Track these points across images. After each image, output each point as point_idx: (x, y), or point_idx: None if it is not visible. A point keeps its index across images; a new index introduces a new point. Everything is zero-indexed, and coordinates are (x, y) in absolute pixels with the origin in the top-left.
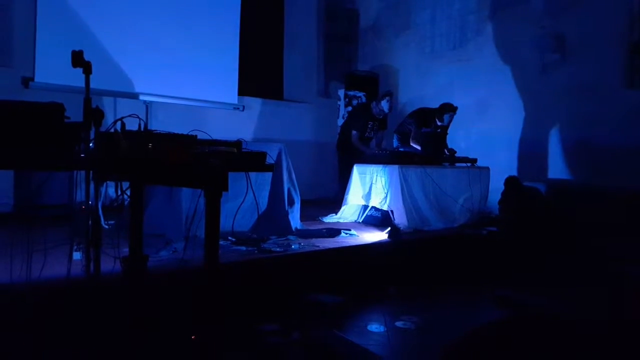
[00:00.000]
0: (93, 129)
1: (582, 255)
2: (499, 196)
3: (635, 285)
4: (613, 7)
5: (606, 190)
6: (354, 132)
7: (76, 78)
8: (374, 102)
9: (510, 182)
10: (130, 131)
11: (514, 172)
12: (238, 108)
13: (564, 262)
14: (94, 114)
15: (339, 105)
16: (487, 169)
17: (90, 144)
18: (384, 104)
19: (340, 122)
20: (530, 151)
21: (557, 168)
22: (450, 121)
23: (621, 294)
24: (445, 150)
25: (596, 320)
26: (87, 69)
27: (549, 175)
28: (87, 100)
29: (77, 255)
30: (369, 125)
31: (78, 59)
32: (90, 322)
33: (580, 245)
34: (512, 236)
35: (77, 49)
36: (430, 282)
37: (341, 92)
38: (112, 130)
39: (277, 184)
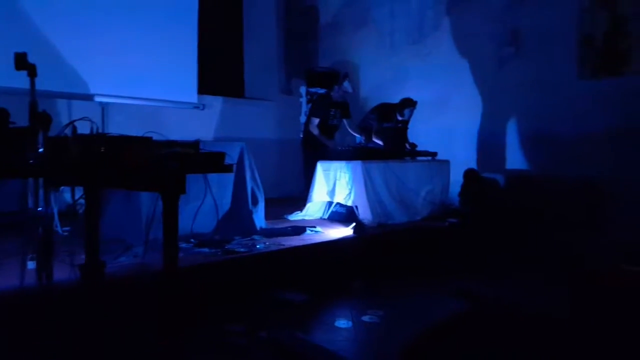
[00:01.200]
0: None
1: (540, 245)
2: (459, 188)
3: (593, 274)
4: (564, 1)
5: (563, 179)
6: (314, 119)
7: (26, 80)
8: (336, 87)
9: (468, 174)
10: (81, 135)
11: (474, 165)
12: (198, 107)
13: (522, 253)
14: (41, 118)
15: (301, 102)
16: (447, 162)
17: (41, 149)
18: (347, 85)
19: (303, 119)
20: (489, 143)
21: (515, 159)
22: (410, 115)
23: (578, 284)
24: (407, 145)
25: (554, 312)
26: (31, 71)
27: (507, 167)
28: (33, 104)
29: (31, 265)
30: (332, 113)
31: (21, 62)
32: (48, 332)
33: (539, 235)
34: (471, 228)
35: (26, 49)
36: (395, 276)
37: (303, 89)
38: (64, 134)
39: (239, 183)
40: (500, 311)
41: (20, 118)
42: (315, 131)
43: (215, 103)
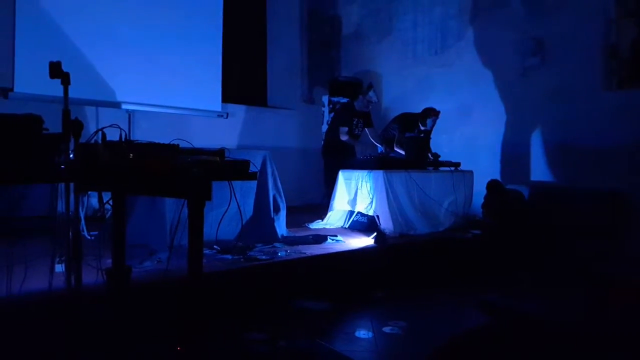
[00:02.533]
0: (73, 140)
1: (564, 257)
2: (482, 200)
3: (618, 287)
4: (590, 12)
5: (586, 191)
6: (343, 128)
7: (57, 88)
8: (361, 96)
9: (491, 185)
10: (111, 142)
11: (497, 176)
12: (222, 115)
13: (546, 265)
14: (73, 125)
15: (323, 111)
16: (471, 172)
17: (71, 155)
18: (372, 95)
19: (325, 128)
20: (513, 154)
21: (539, 170)
22: (433, 125)
23: (604, 297)
24: (429, 155)
25: (579, 325)
26: (65, 80)
27: (531, 178)
28: (66, 112)
29: (59, 268)
30: (354, 122)
31: (56, 70)
32: (73, 335)
33: (563, 248)
34: (495, 240)
35: (57, 58)
36: (416, 287)
37: (325, 99)
38: (93, 140)
39: (262, 191)
40: (524, 325)
41: (48, 124)
42: (346, 138)
43: (239, 111)
